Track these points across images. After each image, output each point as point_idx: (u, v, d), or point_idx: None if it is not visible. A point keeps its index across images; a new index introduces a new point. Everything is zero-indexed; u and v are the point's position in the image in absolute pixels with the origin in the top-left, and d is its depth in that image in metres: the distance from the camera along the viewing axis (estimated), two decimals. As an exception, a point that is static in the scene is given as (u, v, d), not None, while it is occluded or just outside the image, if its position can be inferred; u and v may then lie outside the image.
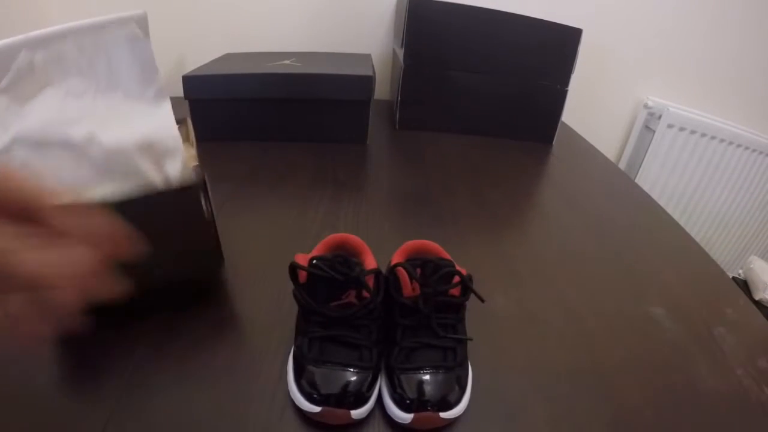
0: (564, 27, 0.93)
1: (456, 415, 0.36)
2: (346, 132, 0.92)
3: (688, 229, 0.72)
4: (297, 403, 0.36)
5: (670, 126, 1.24)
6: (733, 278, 1.37)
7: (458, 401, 0.37)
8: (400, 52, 0.97)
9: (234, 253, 0.58)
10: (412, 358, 0.38)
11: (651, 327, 0.51)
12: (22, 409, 0.37)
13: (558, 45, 0.95)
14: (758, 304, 1.30)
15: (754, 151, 1.30)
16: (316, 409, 0.35)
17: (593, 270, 0.61)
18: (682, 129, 1.25)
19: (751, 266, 1.41)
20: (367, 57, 1.04)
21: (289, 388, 0.38)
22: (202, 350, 0.43)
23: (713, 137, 1.26)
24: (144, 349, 0.42)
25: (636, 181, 1.22)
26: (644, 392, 0.43)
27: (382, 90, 1.19)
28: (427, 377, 0.37)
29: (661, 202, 0.82)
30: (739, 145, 1.28)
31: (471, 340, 0.41)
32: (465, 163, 0.89)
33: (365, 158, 0.88)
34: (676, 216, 0.78)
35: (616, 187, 0.87)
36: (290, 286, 0.41)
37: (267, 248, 0.59)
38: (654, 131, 1.26)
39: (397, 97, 1.01)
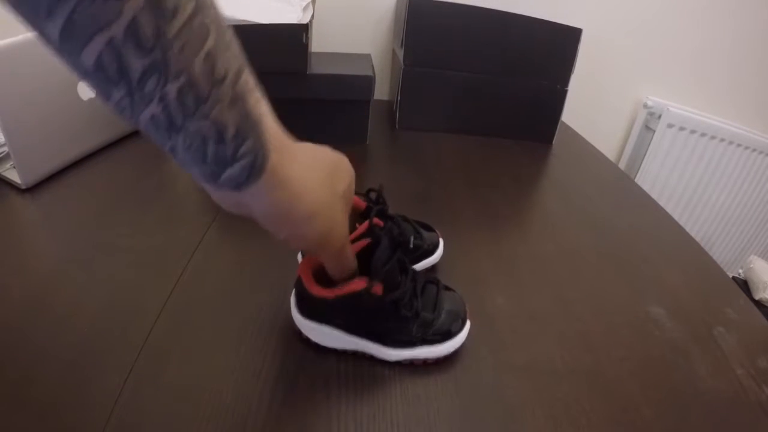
0: (564, 27, 0.93)
1: None
2: (346, 132, 0.92)
3: (688, 229, 0.72)
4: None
5: (670, 126, 1.24)
6: (733, 278, 1.37)
7: None
8: (400, 52, 0.97)
9: (234, 254, 0.58)
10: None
11: (651, 327, 0.51)
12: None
13: (558, 45, 0.95)
14: (758, 304, 1.30)
15: (754, 151, 1.30)
16: None
17: (593, 270, 0.61)
18: (682, 129, 1.25)
19: (751, 266, 1.41)
20: (367, 57, 1.04)
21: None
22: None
23: (713, 137, 1.26)
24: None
25: (636, 180, 1.22)
26: (644, 392, 0.43)
27: (382, 90, 1.19)
28: None
29: (661, 202, 0.82)
30: (739, 145, 1.28)
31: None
32: (465, 163, 0.89)
33: (365, 158, 0.88)
34: (676, 216, 0.78)
35: (616, 187, 0.87)
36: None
37: (267, 248, 0.59)
38: (654, 131, 1.26)
39: (397, 97, 1.01)
